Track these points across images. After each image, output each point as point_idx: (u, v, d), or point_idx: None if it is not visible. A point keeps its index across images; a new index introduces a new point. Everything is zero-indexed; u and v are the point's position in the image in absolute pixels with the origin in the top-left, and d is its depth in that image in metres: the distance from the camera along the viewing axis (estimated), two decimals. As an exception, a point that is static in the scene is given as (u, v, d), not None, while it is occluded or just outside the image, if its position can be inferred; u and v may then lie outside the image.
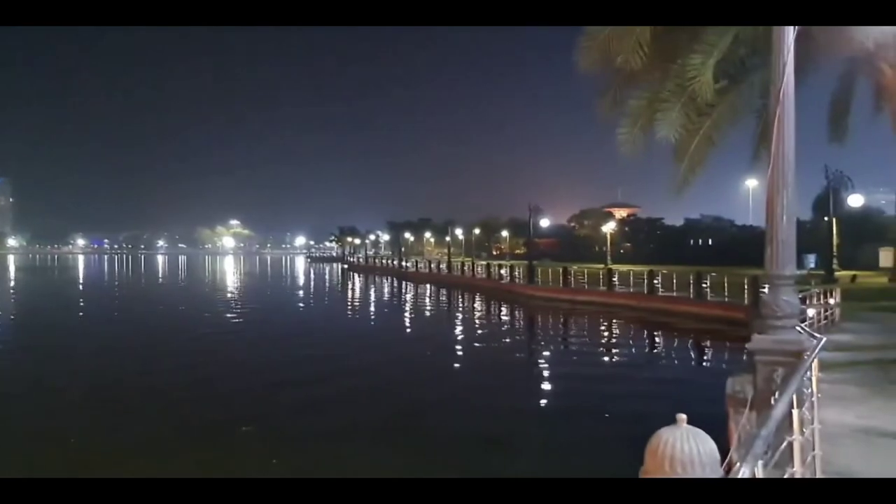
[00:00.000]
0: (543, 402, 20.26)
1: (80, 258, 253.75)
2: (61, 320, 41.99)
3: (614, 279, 47.32)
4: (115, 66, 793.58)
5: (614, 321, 37.98)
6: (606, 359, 28.00)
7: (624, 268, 50.84)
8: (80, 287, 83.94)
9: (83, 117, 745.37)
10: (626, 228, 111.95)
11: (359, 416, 17.45)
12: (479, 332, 36.65)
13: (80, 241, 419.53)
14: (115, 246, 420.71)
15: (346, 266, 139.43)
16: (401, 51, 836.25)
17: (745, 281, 33.53)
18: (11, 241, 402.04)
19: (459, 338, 34.28)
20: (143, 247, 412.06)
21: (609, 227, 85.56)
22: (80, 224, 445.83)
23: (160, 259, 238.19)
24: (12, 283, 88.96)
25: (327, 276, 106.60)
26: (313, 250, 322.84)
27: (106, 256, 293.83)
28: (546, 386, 22.56)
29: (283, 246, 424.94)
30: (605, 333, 35.16)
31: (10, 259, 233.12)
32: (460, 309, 50.48)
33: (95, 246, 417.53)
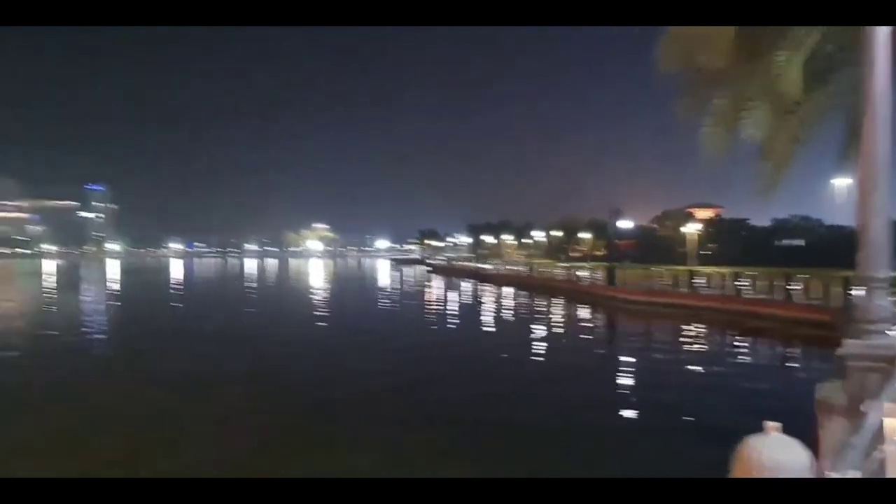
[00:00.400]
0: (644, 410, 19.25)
1: (175, 261, 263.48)
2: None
3: (698, 281, 46.16)
4: (201, 79, 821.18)
5: (698, 324, 36.99)
6: (698, 368, 26.56)
7: (708, 269, 49.44)
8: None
9: (174, 127, 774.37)
10: (710, 229, 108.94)
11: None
12: (561, 338, 36.18)
13: (175, 245, 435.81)
14: (208, 249, 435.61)
15: (428, 268, 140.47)
16: (483, 54, 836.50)
17: (832, 283, 32.23)
18: (113, 246, 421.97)
19: (541, 343, 33.91)
20: (233, 250, 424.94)
21: (692, 228, 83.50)
22: (174, 229, 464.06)
23: (251, 262, 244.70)
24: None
25: (413, 279, 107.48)
26: (396, 253, 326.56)
27: (196, 260, 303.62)
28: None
29: (365, 249, 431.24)
30: (689, 337, 34.25)
31: (115, 262, 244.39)
32: (542, 311, 50.08)
33: (189, 249, 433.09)
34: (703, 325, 36.80)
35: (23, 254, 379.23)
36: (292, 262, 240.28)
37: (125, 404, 19.32)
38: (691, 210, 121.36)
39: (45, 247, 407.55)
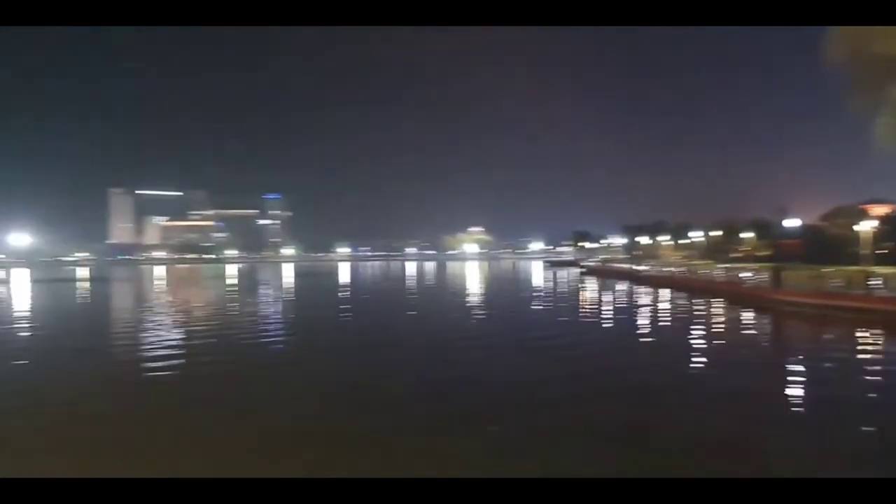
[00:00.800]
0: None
1: (342, 264, 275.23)
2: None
3: (874, 282, 42.46)
4: (374, 90, 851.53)
5: (878, 330, 33.94)
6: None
7: (885, 270, 45.34)
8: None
9: (342, 139, 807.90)
10: (886, 227, 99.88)
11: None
12: (739, 344, 34.17)
13: (343, 250, 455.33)
14: (372, 253, 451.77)
15: (581, 270, 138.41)
16: (633, 52, 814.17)
17: None
18: (288, 250, 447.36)
19: (708, 350, 32.14)
20: (394, 253, 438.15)
21: (866, 226, 76.90)
22: (342, 234, 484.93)
23: (411, 264, 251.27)
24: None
25: (567, 280, 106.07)
26: (549, 255, 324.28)
27: (361, 263, 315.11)
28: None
29: (519, 251, 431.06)
30: (872, 345, 31.38)
31: (289, 266, 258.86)
32: (707, 315, 47.61)
33: (355, 253, 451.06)
34: (882, 331, 33.67)
35: (209, 258, 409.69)
36: (449, 265, 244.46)
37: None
38: (865, 206, 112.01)
39: (229, 252, 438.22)
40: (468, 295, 73.63)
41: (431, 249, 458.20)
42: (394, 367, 25.73)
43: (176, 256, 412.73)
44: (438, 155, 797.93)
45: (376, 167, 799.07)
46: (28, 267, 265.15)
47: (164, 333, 37.28)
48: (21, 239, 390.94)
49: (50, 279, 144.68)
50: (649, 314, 49.03)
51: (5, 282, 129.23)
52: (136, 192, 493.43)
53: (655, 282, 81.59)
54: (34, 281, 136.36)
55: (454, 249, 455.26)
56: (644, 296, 65.55)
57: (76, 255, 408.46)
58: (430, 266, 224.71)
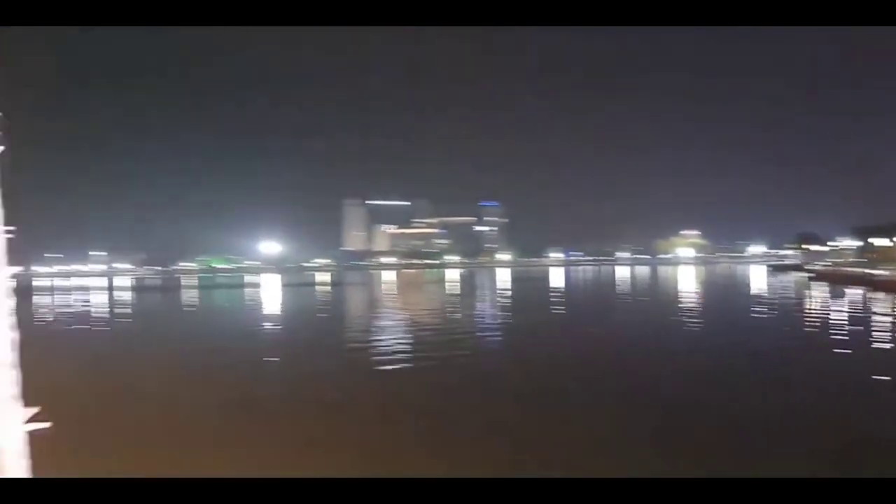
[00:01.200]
0: None
1: (554, 269, 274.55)
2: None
3: None
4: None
5: None
6: None
7: None
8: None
9: (552, 140, 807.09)
10: None
11: None
12: None
13: (555, 255, 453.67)
14: (583, 258, 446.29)
15: (809, 275, 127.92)
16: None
17: None
18: (503, 256, 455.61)
19: None
20: (605, 258, 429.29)
21: None
22: (554, 239, 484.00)
23: (623, 269, 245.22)
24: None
25: (793, 286, 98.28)
26: (770, 258, 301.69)
27: (572, 268, 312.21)
28: None
29: (737, 255, 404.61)
30: None
31: (505, 271, 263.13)
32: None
33: (567, 258, 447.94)
34: None
35: (431, 264, 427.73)
36: (661, 270, 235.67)
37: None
38: None
39: (449, 257, 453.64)
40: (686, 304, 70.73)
41: (644, 254, 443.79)
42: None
43: (402, 262, 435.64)
44: (652, 154, 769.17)
45: (587, 168, 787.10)
46: (277, 272, 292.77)
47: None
48: (271, 247, 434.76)
49: (298, 283, 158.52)
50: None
51: (260, 285, 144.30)
52: (367, 202, 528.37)
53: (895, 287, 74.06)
54: (284, 285, 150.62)
55: (667, 253, 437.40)
56: (881, 304, 59.63)
57: (316, 261, 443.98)
58: (645, 271, 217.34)
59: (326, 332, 49.31)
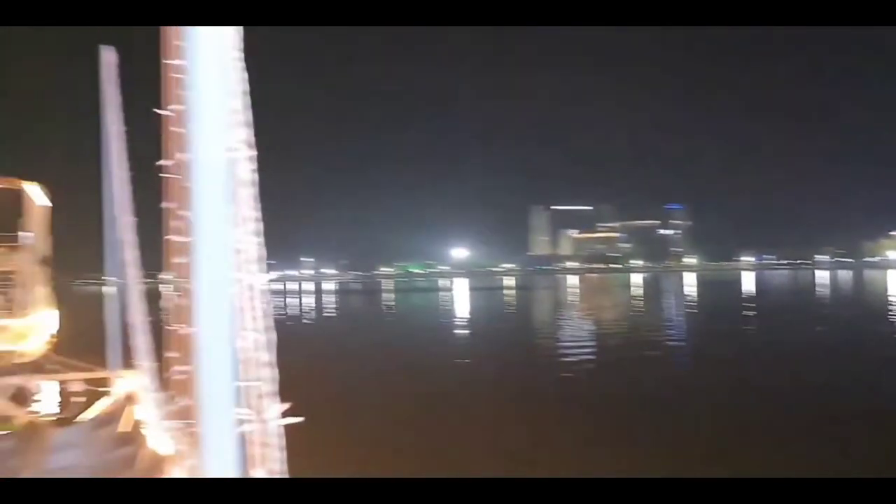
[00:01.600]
0: None
1: (746, 274, 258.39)
2: None
3: None
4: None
5: None
6: None
7: None
8: None
9: (744, 140, 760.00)
10: None
11: None
12: None
13: (746, 258, 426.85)
14: (777, 262, 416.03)
15: None
16: None
17: None
18: (690, 260, 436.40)
19: None
20: (803, 262, 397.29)
21: None
22: (746, 242, 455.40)
23: (823, 274, 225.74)
24: None
25: None
26: None
27: (766, 272, 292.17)
28: None
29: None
30: None
31: (692, 276, 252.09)
32: None
33: (759, 262, 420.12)
34: None
35: (615, 268, 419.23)
36: (868, 275, 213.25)
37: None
38: None
39: (633, 262, 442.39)
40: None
41: (847, 257, 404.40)
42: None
43: (586, 266, 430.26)
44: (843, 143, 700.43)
45: (780, 168, 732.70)
46: (466, 276, 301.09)
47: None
48: (460, 252, 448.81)
49: (485, 287, 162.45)
50: None
51: (450, 289, 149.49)
52: (552, 207, 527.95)
53: None
54: (472, 288, 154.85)
55: (874, 256, 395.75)
56: None
57: (503, 265, 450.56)
58: (849, 276, 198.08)
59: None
